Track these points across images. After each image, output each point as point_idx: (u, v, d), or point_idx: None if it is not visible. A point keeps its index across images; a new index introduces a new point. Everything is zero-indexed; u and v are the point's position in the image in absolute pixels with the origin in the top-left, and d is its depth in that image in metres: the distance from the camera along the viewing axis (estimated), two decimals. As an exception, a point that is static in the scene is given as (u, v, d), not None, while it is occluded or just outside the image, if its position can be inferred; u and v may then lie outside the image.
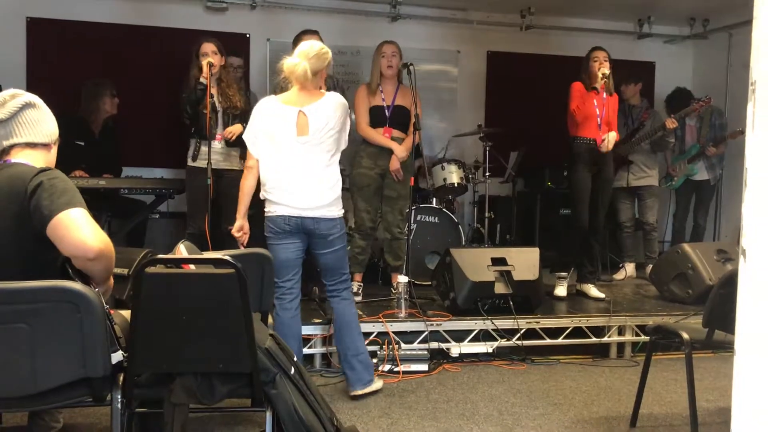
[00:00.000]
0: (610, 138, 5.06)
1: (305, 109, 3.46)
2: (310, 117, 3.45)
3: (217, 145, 4.71)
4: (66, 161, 2.58)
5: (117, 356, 2.25)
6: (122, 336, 2.38)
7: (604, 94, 5.06)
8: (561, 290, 5.30)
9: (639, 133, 6.22)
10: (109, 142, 5.48)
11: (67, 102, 5.07)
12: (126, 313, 2.50)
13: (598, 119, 5.08)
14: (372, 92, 5.02)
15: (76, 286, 2.12)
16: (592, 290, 5.32)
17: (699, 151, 6.47)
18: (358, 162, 5.06)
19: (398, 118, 5.02)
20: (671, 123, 5.91)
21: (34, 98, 2.43)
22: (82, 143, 5.17)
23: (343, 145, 3.61)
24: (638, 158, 6.33)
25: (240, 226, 3.66)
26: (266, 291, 3.07)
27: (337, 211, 3.57)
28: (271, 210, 3.55)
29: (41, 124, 2.42)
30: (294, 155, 3.46)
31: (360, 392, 3.71)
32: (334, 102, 3.52)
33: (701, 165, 6.53)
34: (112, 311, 2.41)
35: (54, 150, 2.49)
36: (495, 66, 7.32)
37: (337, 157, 3.59)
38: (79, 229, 2.17)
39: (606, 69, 5.00)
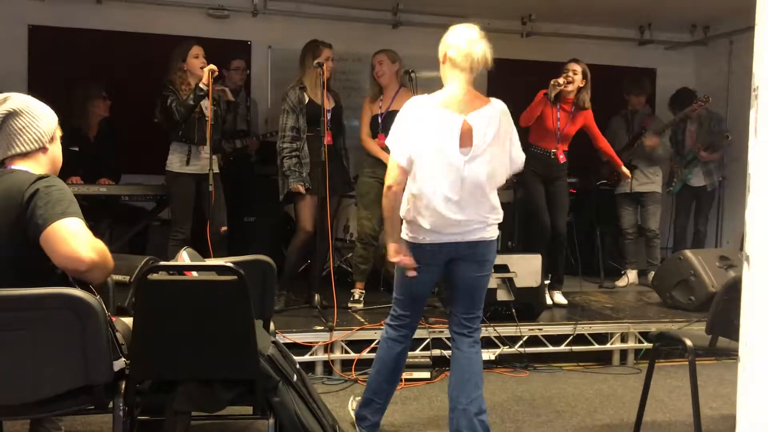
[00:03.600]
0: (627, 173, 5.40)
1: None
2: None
3: (205, 151, 4.66)
4: (61, 168, 2.53)
5: (119, 363, 2.24)
6: (124, 343, 2.37)
7: (572, 107, 5.06)
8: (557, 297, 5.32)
9: (638, 141, 6.22)
10: (105, 146, 5.41)
11: (69, 109, 5.07)
12: (128, 321, 2.50)
13: (558, 133, 5.10)
14: (373, 101, 5.06)
15: (78, 293, 2.12)
16: (557, 296, 5.31)
17: (694, 156, 6.47)
18: (361, 170, 5.13)
19: (392, 123, 5.00)
20: (650, 141, 5.97)
21: (16, 104, 2.33)
22: (77, 149, 5.05)
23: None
24: (641, 164, 6.33)
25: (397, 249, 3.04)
26: (268, 298, 3.06)
27: None
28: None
29: (29, 130, 2.33)
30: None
31: None
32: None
33: (698, 171, 6.52)
34: (113, 318, 2.41)
35: (53, 146, 2.42)
36: (496, 73, 7.28)
37: None
38: (71, 241, 2.13)
39: (561, 79, 4.96)
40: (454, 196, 2.93)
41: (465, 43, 3.06)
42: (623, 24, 7.37)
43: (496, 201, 3.07)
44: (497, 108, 3.08)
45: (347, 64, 6.72)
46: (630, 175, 5.54)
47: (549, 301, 5.16)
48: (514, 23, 7.11)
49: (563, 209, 5.25)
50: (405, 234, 3.05)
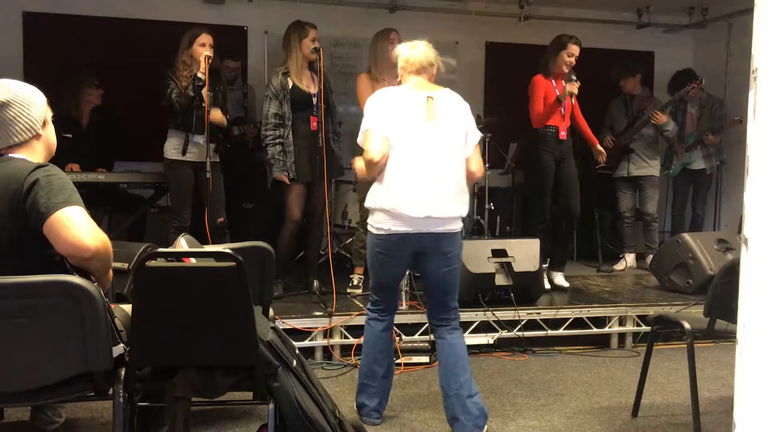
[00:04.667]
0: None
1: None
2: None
3: (202, 139, 4.63)
4: (56, 155, 2.52)
5: (118, 350, 2.25)
6: (123, 330, 2.38)
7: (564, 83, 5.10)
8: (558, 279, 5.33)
9: (637, 123, 6.22)
10: (97, 133, 5.38)
11: (61, 97, 5.05)
12: (127, 308, 2.50)
13: (562, 109, 5.14)
14: (376, 81, 4.86)
15: (77, 280, 2.12)
16: (558, 278, 5.32)
17: (696, 140, 6.47)
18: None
19: None
20: (660, 118, 5.96)
21: (4, 94, 2.30)
22: (70, 135, 5.03)
23: None
24: (639, 148, 6.32)
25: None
26: (267, 284, 3.06)
27: None
28: None
29: (19, 120, 2.32)
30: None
31: None
32: None
33: (698, 154, 6.53)
34: (113, 305, 2.41)
35: (46, 129, 2.41)
36: (493, 57, 7.29)
37: None
38: (75, 228, 2.16)
39: (575, 87, 4.98)
40: (418, 184, 3.05)
41: (406, 52, 3.27)
42: (621, 7, 7.34)
43: (461, 194, 3.14)
44: (454, 95, 3.27)
45: (343, 49, 6.70)
46: (605, 154, 5.51)
47: (547, 285, 5.15)
48: (512, 7, 7.08)
49: (577, 189, 5.24)
50: (371, 225, 3.19)
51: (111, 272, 2.44)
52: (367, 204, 3.22)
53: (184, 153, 4.63)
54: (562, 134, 5.18)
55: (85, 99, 5.36)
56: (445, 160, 3.10)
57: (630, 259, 6.50)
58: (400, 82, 3.31)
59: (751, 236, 1.58)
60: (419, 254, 3.17)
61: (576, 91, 5.00)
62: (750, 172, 1.57)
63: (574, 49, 5.09)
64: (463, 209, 3.16)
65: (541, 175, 5.22)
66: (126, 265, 3.33)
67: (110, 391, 2.25)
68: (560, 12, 7.17)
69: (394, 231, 3.10)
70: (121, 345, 2.29)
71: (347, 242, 6.00)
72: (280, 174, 4.69)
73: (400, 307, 4.44)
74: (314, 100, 4.72)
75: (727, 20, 7.08)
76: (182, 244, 2.66)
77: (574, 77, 5.02)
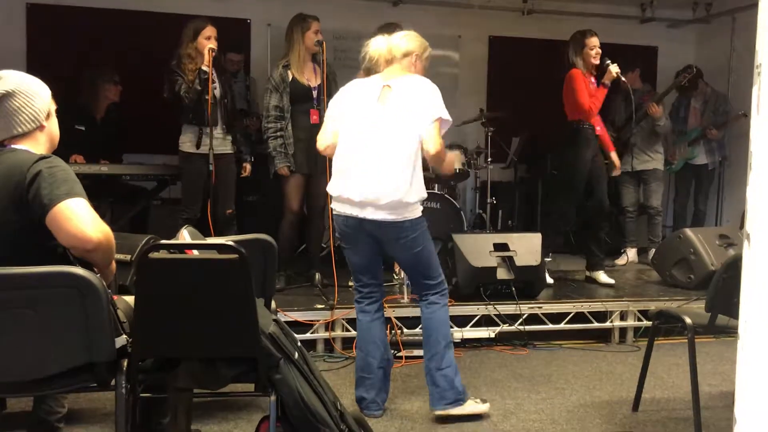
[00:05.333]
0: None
1: None
2: None
3: (216, 131, 4.66)
4: (64, 145, 2.54)
5: (120, 341, 2.25)
6: (126, 321, 2.38)
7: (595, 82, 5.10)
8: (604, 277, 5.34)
9: (637, 116, 6.20)
10: (110, 128, 5.47)
11: (67, 88, 5.06)
12: (129, 299, 2.50)
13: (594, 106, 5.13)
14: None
15: (80, 271, 2.12)
16: (602, 276, 5.32)
17: (700, 135, 6.45)
18: None
19: None
20: (654, 108, 5.95)
21: (10, 84, 2.31)
22: (83, 128, 5.15)
23: None
24: (641, 142, 6.31)
25: None
26: (269, 276, 3.07)
27: None
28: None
29: (25, 110, 2.32)
30: None
31: (441, 413, 3.25)
32: None
33: (701, 149, 6.52)
34: (115, 297, 2.41)
35: (50, 122, 2.41)
36: (496, 51, 7.28)
37: None
38: (78, 220, 2.16)
39: (616, 66, 4.98)
40: (356, 169, 3.10)
41: (365, 49, 3.32)
42: (625, 2, 7.32)
43: (403, 180, 3.05)
44: (416, 81, 3.19)
45: (347, 42, 6.68)
46: (619, 169, 5.54)
47: (602, 281, 5.23)
48: (515, 0, 7.06)
49: (605, 184, 5.26)
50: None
51: (114, 264, 2.45)
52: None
53: (198, 146, 4.66)
54: (598, 129, 5.18)
55: (104, 95, 5.44)
56: (387, 147, 3.07)
57: (632, 253, 6.50)
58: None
59: (754, 232, 1.57)
60: (378, 240, 3.19)
61: (618, 69, 4.98)
62: (753, 168, 1.57)
63: (593, 41, 5.07)
64: (407, 195, 3.06)
65: (576, 174, 5.16)
66: (129, 257, 3.32)
67: (112, 382, 2.25)
68: (564, 6, 7.16)
69: (338, 212, 3.22)
70: (124, 336, 2.29)
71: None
72: (282, 166, 4.71)
73: (401, 301, 4.45)
74: (314, 93, 4.72)
75: (731, 15, 7.07)
76: (185, 236, 2.67)
77: (608, 60, 5.00)
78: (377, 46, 3.27)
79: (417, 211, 3.15)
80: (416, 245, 3.17)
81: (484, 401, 3.38)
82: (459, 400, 3.25)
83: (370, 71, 3.32)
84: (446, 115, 3.12)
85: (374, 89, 3.19)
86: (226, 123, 4.76)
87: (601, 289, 5.16)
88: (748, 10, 6.43)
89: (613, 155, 5.47)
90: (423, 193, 3.16)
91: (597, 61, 5.02)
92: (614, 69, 4.98)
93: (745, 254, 1.61)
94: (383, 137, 3.08)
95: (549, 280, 5.14)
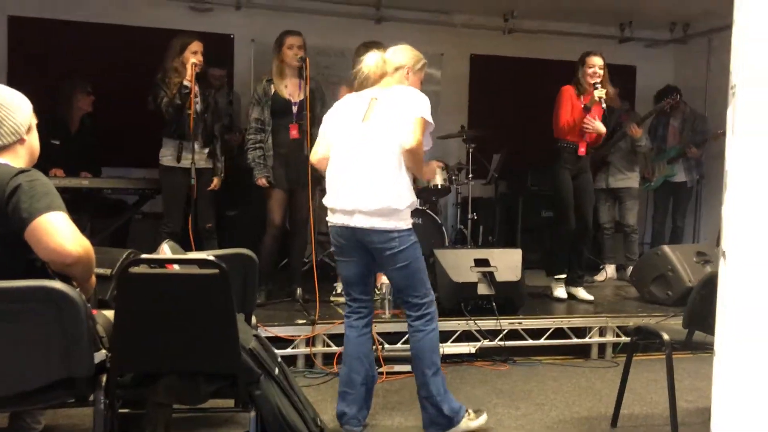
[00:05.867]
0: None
1: None
2: None
3: (197, 146, 4.66)
4: (41, 160, 2.52)
5: (99, 356, 2.24)
6: (105, 336, 2.37)
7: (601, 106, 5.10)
8: (560, 292, 5.36)
9: (615, 136, 6.29)
10: (85, 140, 5.41)
11: (48, 101, 5.03)
12: (109, 313, 2.49)
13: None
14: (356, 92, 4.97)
15: (59, 286, 2.11)
16: (581, 293, 5.36)
17: (679, 153, 6.55)
18: None
19: None
20: (635, 130, 6.03)
21: None
22: (57, 142, 5.07)
23: None
24: (617, 160, 6.40)
25: None
26: (250, 291, 3.07)
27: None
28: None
29: (5, 123, 2.31)
30: None
31: None
32: None
33: (680, 167, 6.62)
34: (95, 311, 2.40)
35: (30, 135, 2.40)
36: (478, 69, 7.35)
37: None
38: (57, 234, 2.15)
39: (602, 92, 4.99)
40: (345, 180, 3.13)
41: (358, 66, 3.32)
42: (604, 22, 7.43)
43: (388, 190, 3.06)
44: (401, 91, 3.20)
45: (329, 59, 6.72)
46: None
47: (561, 295, 5.28)
48: (497, 20, 7.15)
49: (591, 202, 5.30)
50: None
51: (94, 278, 2.43)
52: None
53: (179, 160, 4.65)
54: (581, 150, 5.17)
55: (77, 105, 5.39)
56: (374, 159, 3.10)
57: (610, 270, 6.56)
58: None
59: (729, 249, 1.60)
60: (369, 251, 3.19)
61: (603, 95, 4.98)
62: (728, 186, 1.60)
63: (592, 61, 5.09)
64: (395, 201, 3.07)
65: (560, 192, 5.21)
66: (109, 271, 3.30)
67: (91, 398, 2.24)
68: (544, 26, 7.25)
69: (333, 223, 3.24)
70: (103, 351, 2.28)
71: (331, 250, 6.00)
72: (261, 177, 4.75)
73: (383, 316, 4.45)
74: (295, 108, 4.74)
75: (707, 36, 7.21)
76: (165, 250, 2.66)
77: (598, 84, 5.01)
78: (368, 62, 3.29)
79: (406, 221, 3.15)
80: (403, 259, 3.16)
81: (477, 413, 3.35)
82: (450, 425, 3.22)
83: (362, 86, 3.32)
84: (429, 117, 3.10)
85: (363, 104, 3.22)
86: (204, 138, 4.75)
87: (581, 305, 5.19)
88: (724, 31, 6.56)
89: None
90: (411, 199, 3.15)
91: (592, 81, 5.05)
92: (597, 93, 4.99)
93: (720, 271, 1.63)
94: (370, 150, 3.11)
95: (562, 295, 5.28)
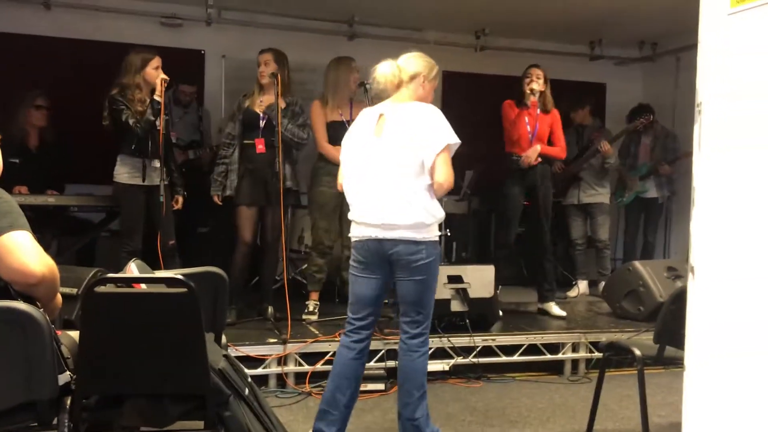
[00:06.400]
0: (530, 153, 5.15)
1: None
2: None
3: (156, 163, 4.58)
4: (2, 180, 2.46)
5: (64, 377, 2.18)
6: (70, 357, 2.31)
7: (537, 110, 5.16)
8: (555, 309, 5.38)
9: (587, 152, 6.35)
10: (47, 157, 5.25)
11: (8, 120, 4.94)
12: (75, 334, 2.43)
13: (530, 136, 5.21)
14: (328, 107, 4.97)
15: (22, 306, 2.05)
16: (553, 308, 5.37)
17: (650, 170, 6.63)
18: (317, 179, 4.99)
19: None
20: (606, 147, 6.10)
21: None
22: (17, 160, 4.85)
23: None
24: (588, 176, 6.46)
25: None
26: (220, 310, 3.02)
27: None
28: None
29: None
30: None
31: None
32: None
33: (652, 183, 6.70)
34: (59, 332, 2.34)
35: None
36: (450, 86, 7.37)
37: None
38: (21, 253, 2.09)
39: (535, 85, 5.10)
40: (363, 197, 3.13)
41: (372, 75, 3.29)
42: (575, 40, 7.53)
43: (407, 205, 3.06)
44: (413, 108, 3.17)
45: (303, 75, 6.69)
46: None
47: (554, 312, 5.29)
48: (468, 37, 7.21)
49: (543, 218, 5.27)
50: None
51: (59, 298, 2.38)
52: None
53: (144, 179, 4.56)
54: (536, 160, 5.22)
55: (28, 120, 5.20)
56: (386, 174, 3.08)
57: (583, 285, 6.59)
58: None
59: (697, 264, 1.61)
60: (392, 264, 3.14)
61: (536, 87, 5.11)
62: (696, 203, 1.62)
63: (529, 71, 5.21)
64: (417, 216, 3.06)
65: (504, 203, 5.32)
66: (75, 290, 3.25)
67: (55, 421, 2.18)
68: (516, 43, 7.32)
69: (358, 237, 3.19)
70: (68, 373, 2.22)
71: (303, 267, 5.96)
72: (213, 194, 4.82)
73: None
74: (262, 122, 4.72)
75: (675, 55, 7.32)
76: (132, 269, 2.61)
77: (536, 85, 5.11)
78: (383, 71, 3.24)
79: (434, 232, 3.15)
80: (425, 272, 3.14)
81: None
82: None
83: (379, 98, 3.32)
84: (452, 139, 3.11)
85: (372, 120, 3.20)
86: (164, 154, 4.65)
87: (554, 321, 5.20)
88: (691, 50, 6.66)
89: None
90: (438, 213, 3.13)
91: (528, 91, 5.14)
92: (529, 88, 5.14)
93: (689, 286, 1.64)
94: (382, 168, 3.09)
95: (535, 307, 5.33)
